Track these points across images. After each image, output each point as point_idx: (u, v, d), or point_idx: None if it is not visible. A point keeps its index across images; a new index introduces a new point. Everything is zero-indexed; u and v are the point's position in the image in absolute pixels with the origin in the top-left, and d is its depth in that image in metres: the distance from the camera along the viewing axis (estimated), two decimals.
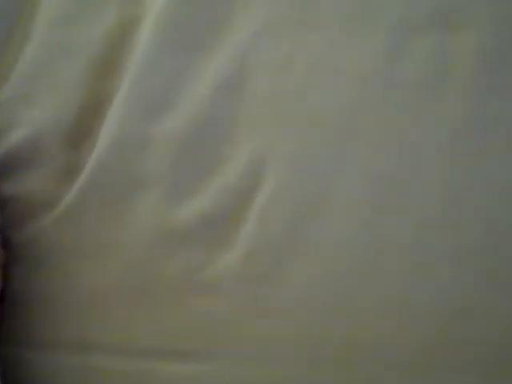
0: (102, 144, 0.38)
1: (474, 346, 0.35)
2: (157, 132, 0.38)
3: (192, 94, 0.38)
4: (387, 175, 0.36)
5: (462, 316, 0.35)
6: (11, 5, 0.40)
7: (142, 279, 0.37)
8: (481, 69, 0.36)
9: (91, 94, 0.39)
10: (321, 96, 0.37)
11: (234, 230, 0.37)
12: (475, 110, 0.36)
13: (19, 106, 0.39)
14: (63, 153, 0.38)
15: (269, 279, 0.36)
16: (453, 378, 0.35)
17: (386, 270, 0.36)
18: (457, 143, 0.36)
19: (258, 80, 0.38)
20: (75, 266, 0.37)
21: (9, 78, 0.39)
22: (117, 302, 0.37)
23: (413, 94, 0.37)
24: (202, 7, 0.39)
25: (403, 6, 0.38)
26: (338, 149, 0.37)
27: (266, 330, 0.36)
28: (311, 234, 0.36)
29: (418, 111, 0.37)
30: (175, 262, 0.37)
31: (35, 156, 0.38)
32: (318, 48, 0.38)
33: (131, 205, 0.37)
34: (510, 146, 0.36)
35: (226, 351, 0.36)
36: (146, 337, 0.37)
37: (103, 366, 0.37)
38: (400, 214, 0.36)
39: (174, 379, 0.36)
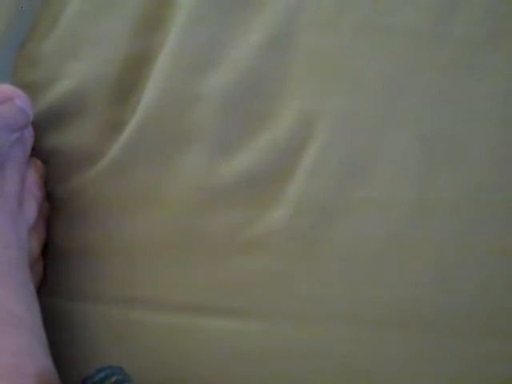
0: (148, 99, 0.37)
1: None
2: (203, 87, 0.37)
3: (239, 50, 0.37)
4: (439, 133, 0.36)
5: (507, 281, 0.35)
6: None
7: (184, 236, 0.36)
8: None
9: (135, 49, 0.38)
10: (370, 54, 0.37)
11: (280, 188, 0.36)
12: None
13: (64, 59, 0.38)
14: (108, 107, 0.38)
15: (314, 238, 0.36)
16: (503, 344, 0.35)
17: (435, 229, 0.35)
18: (510, 100, 0.35)
19: (305, 37, 0.37)
20: (117, 221, 0.37)
21: (53, 31, 0.39)
22: (157, 258, 0.36)
23: (465, 51, 0.36)
24: None
25: None
26: (387, 106, 0.36)
27: (309, 289, 0.35)
28: (359, 191, 0.36)
29: (470, 69, 0.36)
30: (218, 219, 0.36)
31: (79, 109, 0.38)
32: (366, 7, 0.37)
33: (175, 161, 0.37)
34: None
35: (267, 310, 0.36)
36: (186, 293, 0.36)
37: (142, 319, 0.36)
38: (451, 173, 0.35)
39: (215, 335, 0.36)
